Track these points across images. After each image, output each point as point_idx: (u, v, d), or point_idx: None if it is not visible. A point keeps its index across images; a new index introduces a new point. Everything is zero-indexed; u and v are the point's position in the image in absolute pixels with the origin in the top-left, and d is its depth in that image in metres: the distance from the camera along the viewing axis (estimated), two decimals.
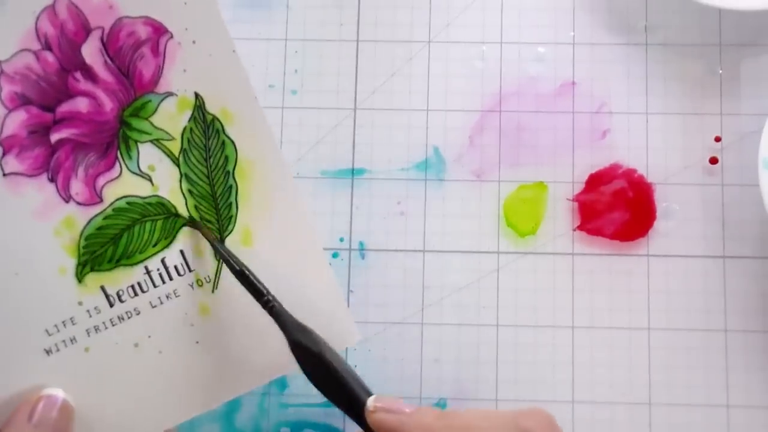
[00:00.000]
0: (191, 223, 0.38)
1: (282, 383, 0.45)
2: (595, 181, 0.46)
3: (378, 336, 0.45)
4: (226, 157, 0.38)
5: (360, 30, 0.48)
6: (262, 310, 0.36)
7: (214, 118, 0.38)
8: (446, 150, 0.47)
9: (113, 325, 0.38)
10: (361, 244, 0.46)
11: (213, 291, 0.38)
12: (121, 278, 0.38)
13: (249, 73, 0.48)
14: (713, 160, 0.46)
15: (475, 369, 0.45)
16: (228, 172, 0.38)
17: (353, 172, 0.46)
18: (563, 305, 0.45)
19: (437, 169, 0.46)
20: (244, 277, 0.36)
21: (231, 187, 0.38)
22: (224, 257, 0.37)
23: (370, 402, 0.33)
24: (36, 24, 0.37)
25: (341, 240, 0.46)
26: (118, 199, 0.38)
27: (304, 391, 0.45)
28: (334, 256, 0.46)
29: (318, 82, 0.47)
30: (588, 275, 0.45)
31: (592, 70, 0.47)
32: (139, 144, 0.38)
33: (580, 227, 0.45)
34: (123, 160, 0.38)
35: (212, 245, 0.38)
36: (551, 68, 0.47)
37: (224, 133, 0.38)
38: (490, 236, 0.46)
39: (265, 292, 0.36)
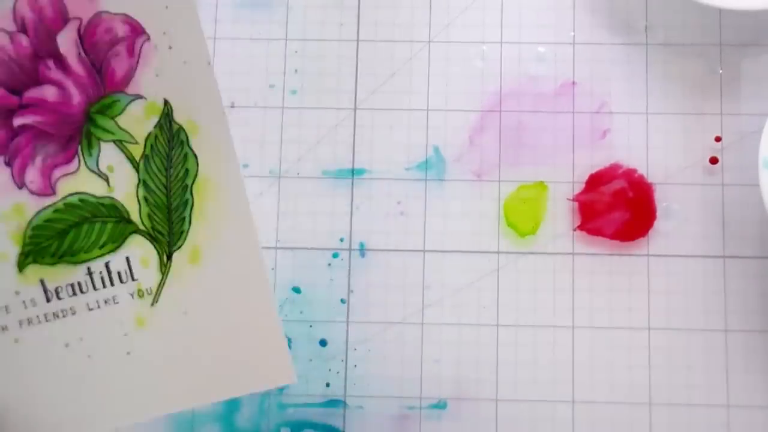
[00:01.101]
0: None
1: None
2: (595, 181, 0.46)
3: (378, 336, 0.45)
4: (187, 170, 0.38)
5: (360, 30, 0.48)
6: (200, 331, 0.36)
7: (180, 129, 0.38)
8: (446, 150, 0.47)
9: (47, 321, 0.37)
10: (361, 244, 0.46)
11: (153, 304, 0.38)
12: (62, 275, 0.37)
13: (249, 73, 0.48)
14: (713, 160, 0.46)
15: (475, 369, 0.45)
16: (186, 185, 0.38)
17: (353, 172, 0.46)
18: (563, 305, 0.45)
19: (437, 169, 0.46)
20: None
21: (187, 201, 0.38)
22: None
23: None
24: (15, 5, 0.36)
25: (341, 240, 0.46)
26: (71, 195, 0.37)
27: (303, 391, 0.45)
28: (335, 256, 0.46)
29: (318, 82, 0.47)
30: (588, 275, 0.45)
31: (592, 70, 0.47)
32: (101, 142, 0.37)
33: (580, 227, 0.45)
34: (83, 155, 0.37)
35: None
36: (551, 68, 0.47)
37: (188, 145, 0.38)
38: (490, 236, 0.46)
39: None
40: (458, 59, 0.47)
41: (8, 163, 0.37)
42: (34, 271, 0.37)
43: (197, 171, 0.38)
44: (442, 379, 0.45)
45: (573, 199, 0.46)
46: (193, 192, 0.38)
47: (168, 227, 0.38)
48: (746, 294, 0.45)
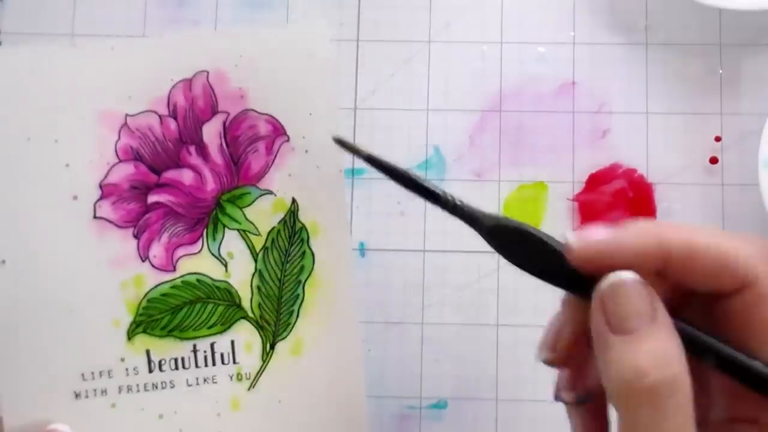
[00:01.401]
0: (339, 140, 0.37)
1: None
2: (595, 181, 0.46)
3: (378, 336, 0.45)
4: (302, 267, 0.39)
5: (360, 30, 0.48)
6: (291, 420, 0.37)
7: (303, 227, 0.39)
8: (446, 150, 0.46)
9: (146, 391, 0.38)
10: (361, 243, 0.46)
11: (249, 388, 0.39)
12: (168, 348, 0.39)
13: None
14: (713, 160, 0.46)
15: (475, 369, 0.45)
16: (300, 281, 0.39)
17: (353, 172, 0.46)
18: None
19: (438, 168, 0.46)
20: (417, 187, 0.35)
21: (298, 296, 0.39)
22: (384, 166, 0.35)
23: (570, 237, 0.28)
24: (170, 91, 0.39)
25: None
26: (190, 274, 0.39)
27: None
28: None
29: None
30: None
31: (592, 70, 0.47)
32: (226, 229, 0.39)
33: (580, 227, 0.45)
34: (207, 239, 0.39)
35: (364, 156, 0.36)
36: (551, 68, 0.47)
37: (308, 243, 0.39)
38: None
39: (440, 193, 0.33)
40: (458, 59, 0.47)
41: (136, 236, 0.39)
42: (143, 341, 0.38)
43: (312, 269, 0.39)
44: (442, 379, 0.45)
45: (573, 199, 0.46)
46: (305, 288, 0.39)
47: (276, 318, 0.39)
48: None
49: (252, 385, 0.39)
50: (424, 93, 0.47)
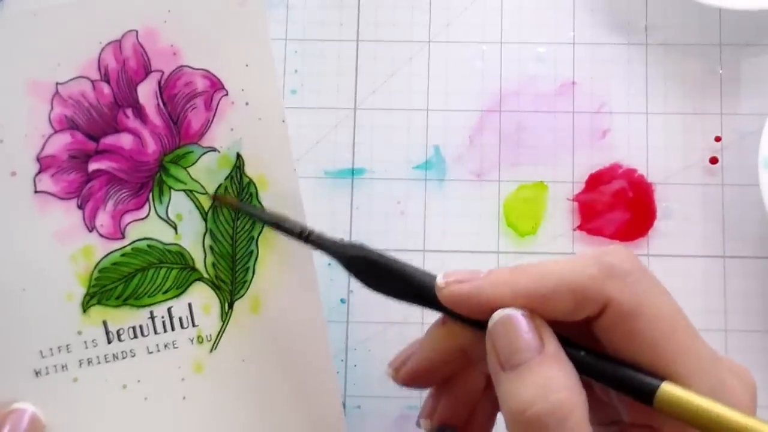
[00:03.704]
0: (215, 196, 0.38)
1: None
2: (595, 181, 0.46)
3: (378, 336, 0.45)
4: (254, 223, 0.38)
5: (360, 30, 0.48)
6: (256, 379, 0.36)
7: (251, 182, 0.38)
8: (446, 150, 0.46)
9: (106, 362, 0.37)
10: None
11: (211, 350, 0.38)
12: (124, 317, 0.38)
13: None
14: (713, 160, 0.46)
15: None
16: (252, 237, 0.38)
17: (353, 172, 0.46)
18: None
19: (437, 169, 0.46)
20: (279, 227, 0.36)
21: (252, 252, 0.38)
22: (251, 213, 0.37)
23: (440, 279, 0.30)
24: (100, 55, 0.38)
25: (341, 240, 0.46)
26: (139, 240, 0.38)
27: None
28: None
29: (318, 82, 0.47)
30: None
31: (592, 70, 0.47)
32: (172, 191, 0.38)
33: (580, 227, 0.45)
34: (153, 203, 0.38)
35: (236, 206, 0.37)
36: (551, 68, 0.47)
37: (257, 198, 0.38)
38: (490, 236, 0.46)
39: (299, 229, 0.35)
40: (458, 59, 0.47)
41: (80, 207, 0.38)
42: (98, 312, 0.38)
43: (264, 224, 0.39)
44: None
45: (573, 199, 0.46)
46: (259, 244, 0.39)
47: (231, 277, 0.38)
48: (746, 294, 0.45)
49: (214, 347, 0.38)
50: (424, 93, 0.47)
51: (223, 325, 0.38)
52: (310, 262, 0.39)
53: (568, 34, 0.47)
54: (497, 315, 0.28)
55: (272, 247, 0.39)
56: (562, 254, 0.45)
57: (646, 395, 0.27)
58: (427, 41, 0.47)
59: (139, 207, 0.38)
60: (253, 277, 0.38)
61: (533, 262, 0.29)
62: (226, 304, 0.38)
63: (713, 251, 0.45)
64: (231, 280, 0.38)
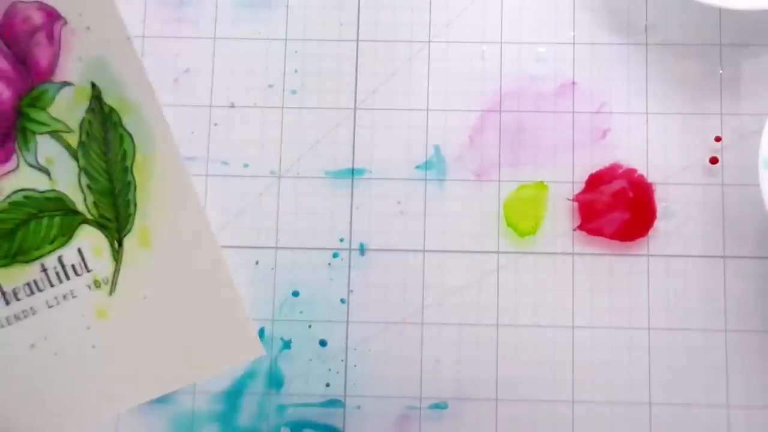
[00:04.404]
0: None
1: (278, 382, 0.45)
2: (595, 181, 0.46)
3: (378, 336, 0.45)
4: (125, 152, 0.37)
5: (360, 30, 0.48)
6: (161, 313, 0.35)
7: (112, 110, 0.37)
8: (446, 150, 0.47)
9: (9, 324, 0.37)
10: (361, 244, 0.46)
11: (111, 293, 0.37)
12: (17, 275, 0.37)
13: (249, 73, 0.48)
14: (713, 160, 0.46)
15: (475, 369, 0.45)
16: (127, 167, 0.37)
17: (353, 172, 0.46)
18: (563, 305, 0.45)
19: (437, 168, 0.46)
20: None
21: (129, 183, 0.37)
22: None
23: None
24: None
25: (341, 240, 0.46)
26: (14, 193, 0.37)
27: (303, 391, 0.45)
28: (334, 256, 0.46)
29: (318, 82, 0.47)
30: (588, 275, 0.45)
31: (592, 70, 0.47)
32: (37, 136, 0.37)
33: (580, 227, 0.45)
34: (21, 152, 0.37)
35: None
36: (551, 68, 0.47)
37: (122, 125, 0.37)
38: (490, 236, 0.46)
39: None
40: (458, 59, 0.47)
41: None
42: None
43: (134, 151, 0.37)
44: (442, 379, 0.45)
45: (573, 199, 0.46)
46: (134, 173, 0.37)
47: (115, 212, 0.37)
48: (746, 294, 0.45)
49: (112, 289, 0.37)
50: (424, 93, 0.47)
51: (117, 265, 0.37)
52: (189, 183, 0.37)
53: (568, 34, 0.47)
54: None
55: (149, 175, 0.37)
56: (563, 254, 0.45)
57: None
58: (427, 41, 0.48)
59: (7, 159, 0.37)
60: (136, 209, 0.37)
61: None
62: (116, 242, 0.37)
63: (713, 251, 0.45)
64: (115, 216, 0.37)
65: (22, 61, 0.37)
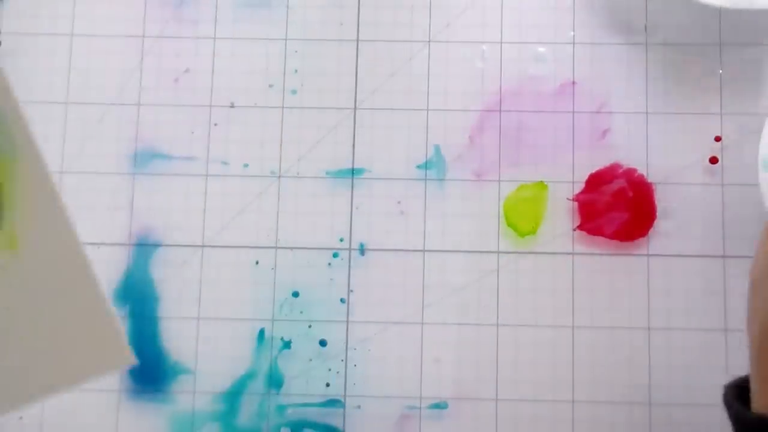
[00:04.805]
0: None
1: (278, 382, 0.45)
2: (595, 181, 0.46)
3: (378, 336, 0.45)
4: None
5: (360, 30, 0.48)
6: (24, 323, 0.35)
7: None
8: (446, 150, 0.46)
9: None
10: (361, 244, 0.46)
11: None
12: None
13: (249, 73, 0.48)
14: (713, 160, 0.46)
15: (475, 369, 0.45)
16: None
17: (353, 172, 0.46)
18: (563, 305, 0.45)
19: (437, 168, 0.46)
20: None
21: None
22: None
23: None
24: None
25: (341, 240, 0.46)
26: None
27: (303, 391, 0.45)
28: (334, 256, 0.46)
29: (318, 82, 0.47)
30: (588, 275, 0.45)
31: (592, 70, 0.47)
32: None
33: (580, 227, 0.45)
34: None
35: None
36: (551, 68, 0.47)
37: None
38: (490, 236, 0.46)
39: None
40: (458, 59, 0.47)
41: None
42: None
43: None
44: (442, 379, 0.45)
45: (573, 199, 0.46)
46: None
47: None
48: (746, 294, 0.45)
49: None
50: (424, 93, 0.47)
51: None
52: (50, 183, 0.36)
53: (568, 34, 0.47)
54: None
55: (13, 178, 0.36)
56: (562, 254, 0.45)
57: None
58: (427, 41, 0.47)
59: None
60: (1, 212, 0.36)
61: None
62: None
63: (713, 251, 0.45)
64: None
65: None
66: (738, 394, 0.31)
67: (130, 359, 0.37)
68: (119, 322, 0.37)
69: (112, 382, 0.45)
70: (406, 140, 0.47)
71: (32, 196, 0.36)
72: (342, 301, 0.45)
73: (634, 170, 0.46)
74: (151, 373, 0.45)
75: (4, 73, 0.36)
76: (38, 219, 0.36)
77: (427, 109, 0.47)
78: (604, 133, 0.46)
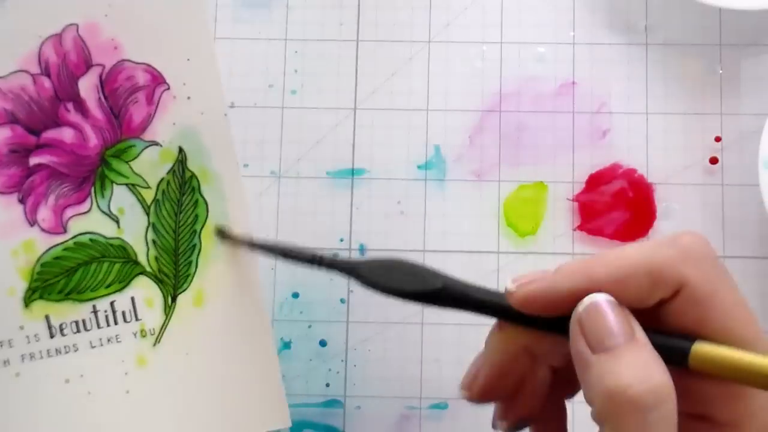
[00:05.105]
0: (219, 232, 0.38)
1: None
2: (595, 181, 0.46)
3: (378, 336, 0.45)
4: (196, 216, 0.39)
5: (360, 30, 0.48)
6: (200, 372, 0.37)
7: (193, 176, 0.39)
8: (446, 150, 0.46)
9: (49, 356, 0.37)
10: (361, 244, 0.46)
11: (155, 344, 0.38)
12: (67, 312, 0.38)
13: (249, 73, 0.48)
14: (713, 160, 0.46)
15: None
16: (195, 231, 0.39)
17: (353, 172, 0.46)
18: None
19: (437, 168, 0.46)
20: (290, 256, 0.36)
21: (195, 246, 0.39)
22: (264, 247, 0.37)
23: (509, 284, 0.30)
24: (40, 48, 0.38)
25: (341, 240, 0.46)
26: (81, 234, 0.38)
27: (303, 391, 0.45)
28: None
29: (318, 82, 0.47)
30: None
31: (592, 70, 0.47)
32: (114, 185, 0.38)
33: (580, 227, 0.45)
34: (95, 197, 0.38)
35: (247, 243, 0.38)
36: (551, 68, 0.47)
37: (199, 192, 0.39)
38: (490, 236, 0.46)
39: (310, 256, 0.35)
40: (458, 59, 0.47)
41: (22, 201, 0.38)
42: (40, 306, 0.37)
43: (207, 217, 0.39)
44: (442, 379, 0.45)
45: (573, 199, 0.46)
46: (202, 237, 0.39)
47: (174, 270, 0.39)
48: (746, 294, 0.44)
49: (157, 341, 0.38)
50: (424, 93, 0.47)
51: (166, 319, 0.38)
52: (252, 255, 0.38)
53: (568, 34, 0.47)
54: (586, 300, 0.27)
55: (216, 242, 0.39)
56: (562, 254, 0.45)
57: (680, 356, 0.27)
58: (427, 41, 0.47)
59: (81, 201, 0.38)
60: (196, 270, 0.39)
61: (604, 251, 0.29)
62: (169, 298, 0.38)
63: None
64: (174, 273, 0.38)
65: (117, 114, 0.38)
66: None
67: (288, 422, 0.39)
68: (282, 388, 0.38)
69: None
70: (406, 140, 0.47)
71: (230, 259, 0.38)
72: (342, 301, 0.45)
73: (634, 170, 0.46)
74: None
75: (232, 145, 0.38)
76: (230, 282, 0.39)
77: (427, 109, 0.47)
78: (604, 133, 0.46)
